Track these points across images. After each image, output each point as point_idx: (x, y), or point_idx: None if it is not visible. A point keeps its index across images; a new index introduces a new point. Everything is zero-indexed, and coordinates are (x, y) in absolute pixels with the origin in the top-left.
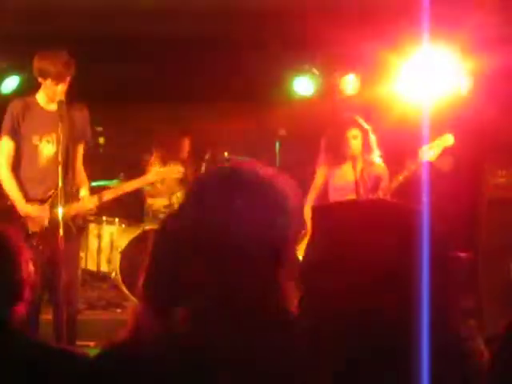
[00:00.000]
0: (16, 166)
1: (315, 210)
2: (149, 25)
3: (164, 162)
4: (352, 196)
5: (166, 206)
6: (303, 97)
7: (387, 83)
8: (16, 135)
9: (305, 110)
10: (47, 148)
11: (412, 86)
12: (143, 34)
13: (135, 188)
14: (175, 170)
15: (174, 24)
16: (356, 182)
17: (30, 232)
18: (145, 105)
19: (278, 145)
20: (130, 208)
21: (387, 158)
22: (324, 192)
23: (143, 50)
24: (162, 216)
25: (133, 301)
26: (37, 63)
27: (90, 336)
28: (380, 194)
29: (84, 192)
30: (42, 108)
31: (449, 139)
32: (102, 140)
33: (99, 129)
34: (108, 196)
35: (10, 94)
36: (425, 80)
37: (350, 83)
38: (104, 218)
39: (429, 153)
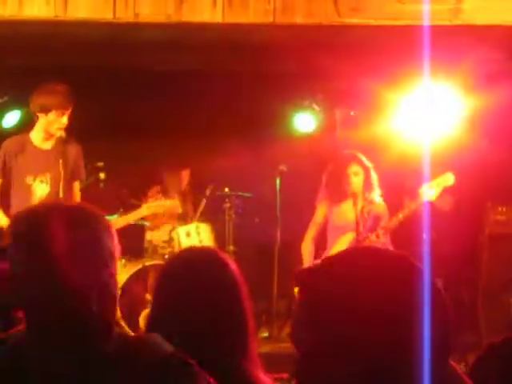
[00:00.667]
0: (7, 206)
1: (297, 276)
2: (147, 58)
3: (164, 195)
4: (351, 235)
5: (165, 241)
6: (304, 133)
7: (387, 120)
8: (7, 175)
9: (306, 146)
10: (40, 188)
11: (412, 122)
12: (143, 69)
13: (127, 223)
14: (166, 204)
15: (174, 57)
16: (356, 221)
17: None
18: (145, 140)
19: (278, 180)
20: (129, 243)
21: (386, 195)
22: (323, 229)
23: (143, 85)
24: (161, 251)
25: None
26: (37, 98)
27: None
28: (380, 233)
29: None
30: (35, 147)
31: (449, 178)
32: (102, 175)
33: (100, 164)
34: None
35: (11, 129)
36: (425, 117)
37: (350, 120)
38: None
39: (429, 192)
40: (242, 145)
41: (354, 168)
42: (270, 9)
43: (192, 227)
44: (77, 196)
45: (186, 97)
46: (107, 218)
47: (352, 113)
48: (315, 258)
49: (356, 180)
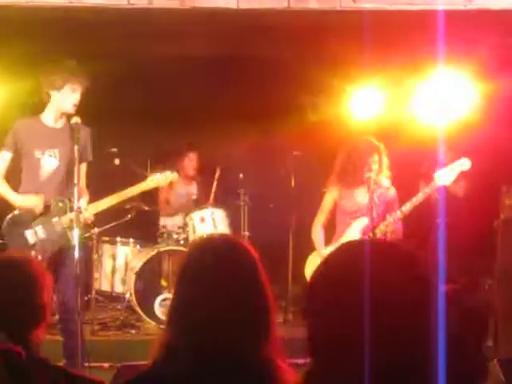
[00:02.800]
0: (17, 181)
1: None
2: (161, 44)
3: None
4: (365, 220)
5: (180, 227)
6: (319, 118)
7: (403, 105)
8: (16, 152)
9: (320, 131)
10: (49, 162)
11: (427, 108)
12: (156, 55)
13: (131, 195)
14: (170, 176)
15: (188, 43)
16: (369, 206)
17: (29, 243)
18: (160, 125)
19: (292, 165)
20: (144, 229)
21: (401, 180)
22: (332, 214)
23: (156, 71)
24: (176, 236)
25: (147, 322)
26: (49, 76)
27: (105, 357)
28: (396, 217)
29: (82, 203)
30: (46, 126)
31: (465, 164)
32: (117, 161)
33: (114, 150)
34: (103, 205)
35: None
36: (439, 102)
37: (365, 105)
38: (118, 238)
39: (444, 177)
40: (257, 130)
41: (375, 157)
42: None
43: (206, 212)
44: (83, 177)
45: (200, 83)
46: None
47: (368, 99)
48: (325, 242)
49: (374, 168)
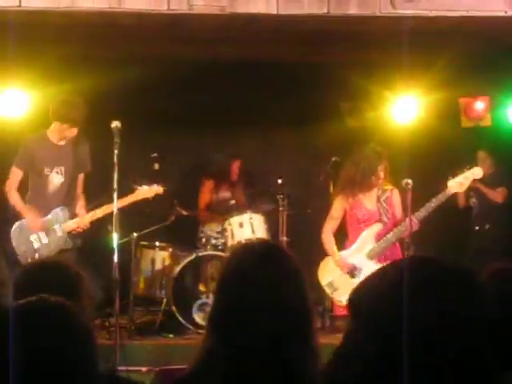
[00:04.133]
0: (25, 194)
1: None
2: (201, 49)
3: (216, 187)
4: (378, 226)
5: (218, 232)
6: (358, 123)
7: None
8: (27, 168)
9: (359, 137)
10: (56, 178)
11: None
12: (196, 60)
13: (120, 206)
14: (155, 189)
15: (228, 49)
16: (379, 212)
17: (34, 247)
18: (199, 131)
19: (331, 172)
20: (182, 234)
21: (417, 184)
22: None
23: (199, 77)
24: (214, 242)
25: (185, 326)
26: (57, 108)
27: (142, 361)
28: (408, 221)
29: (80, 210)
30: (52, 143)
31: (477, 172)
32: (156, 166)
33: (154, 155)
34: (99, 213)
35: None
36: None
37: (404, 111)
38: (157, 243)
39: (457, 185)
40: (297, 135)
41: (384, 165)
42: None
43: (245, 218)
44: (80, 186)
45: (239, 88)
46: None
47: (405, 106)
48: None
49: (382, 175)
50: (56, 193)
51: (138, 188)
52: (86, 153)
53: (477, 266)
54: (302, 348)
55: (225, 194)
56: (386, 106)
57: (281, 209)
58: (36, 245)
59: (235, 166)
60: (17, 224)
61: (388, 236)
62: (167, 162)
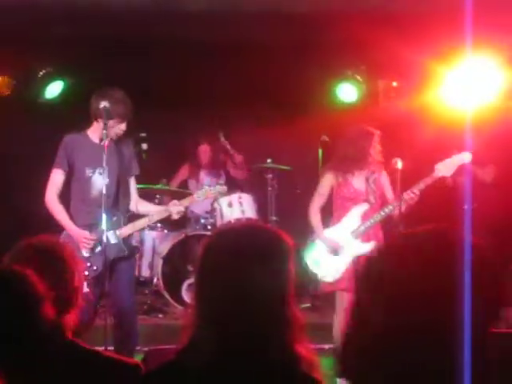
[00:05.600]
0: (67, 197)
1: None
2: (190, 29)
3: (191, 171)
4: (365, 205)
5: (207, 212)
6: (347, 103)
7: (429, 91)
8: (68, 168)
9: (348, 117)
10: (100, 180)
11: (454, 94)
12: (185, 40)
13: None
14: (219, 189)
15: (216, 29)
16: (366, 191)
17: (84, 256)
18: (186, 110)
19: (320, 151)
20: None
21: (422, 166)
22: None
23: (185, 56)
24: (203, 221)
25: (174, 306)
26: (99, 104)
27: None
28: (406, 199)
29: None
30: (93, 143)
31: (465, 157)
32: (145, 146)
33: (143, 135)
34: (143, 223)
35: (54, 99)
36: (468, 89)
37: (393, 91)
38: None
39: (444, 169)
40: (285, 115)
41: (377, 144)
42: None
43: (234, 197)
44: (134, 190)
45: (227, 68)
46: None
47: (394, 83)
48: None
49: (375, 153)
50: (100, 196)
51: (200, 189)
52: (130, 153)
53: None
54: (283, 328)
55: (209, 175)
56: (373, 86)
57: (269, 189)
58: (87, 253)
59: (201, 151)
60: (64, 233)
61: (374, 216)
62: (155, 141)
